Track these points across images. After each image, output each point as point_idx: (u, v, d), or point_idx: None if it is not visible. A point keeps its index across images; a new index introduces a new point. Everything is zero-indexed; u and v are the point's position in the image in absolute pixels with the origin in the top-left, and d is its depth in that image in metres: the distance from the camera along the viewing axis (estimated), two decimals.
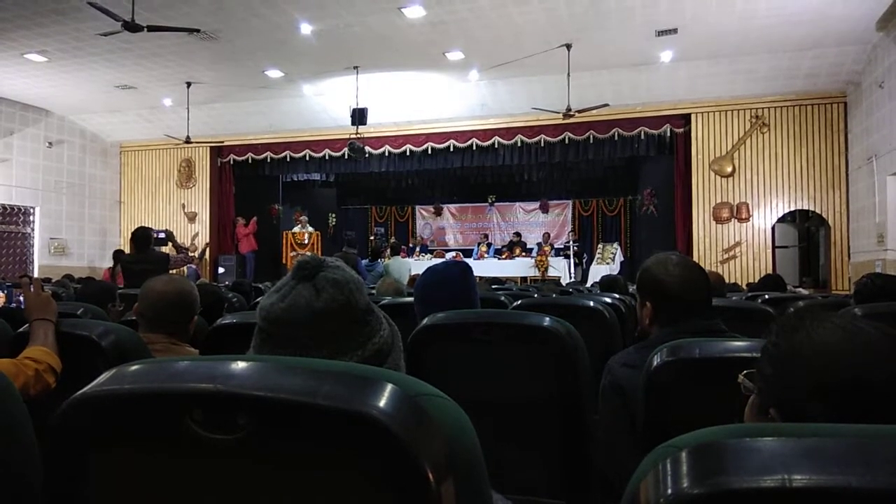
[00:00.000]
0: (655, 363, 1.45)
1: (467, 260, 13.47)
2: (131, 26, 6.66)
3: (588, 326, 2.55)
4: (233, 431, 0.63)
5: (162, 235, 6.96)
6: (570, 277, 12.58)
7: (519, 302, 2.90)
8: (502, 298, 3.69)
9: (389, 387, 0.63)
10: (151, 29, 6.94)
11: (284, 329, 0.87)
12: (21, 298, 2.18)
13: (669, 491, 0.49)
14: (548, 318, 1.74)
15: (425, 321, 1.78)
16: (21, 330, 1.94)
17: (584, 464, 1.72)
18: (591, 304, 2.70)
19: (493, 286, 7.27)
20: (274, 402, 0.62)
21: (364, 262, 10.11)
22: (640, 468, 0.55)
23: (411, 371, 1.79)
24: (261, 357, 0.73)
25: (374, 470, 0.61)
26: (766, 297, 4.22)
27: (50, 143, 13.11)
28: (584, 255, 14.15)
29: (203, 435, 0.64)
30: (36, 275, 12.00)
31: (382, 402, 0.61)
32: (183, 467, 0.67)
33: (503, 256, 13.96)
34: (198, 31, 8.07)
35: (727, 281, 9.29)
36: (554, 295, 4.74)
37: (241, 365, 0.67)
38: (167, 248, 7.50)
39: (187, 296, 2.07)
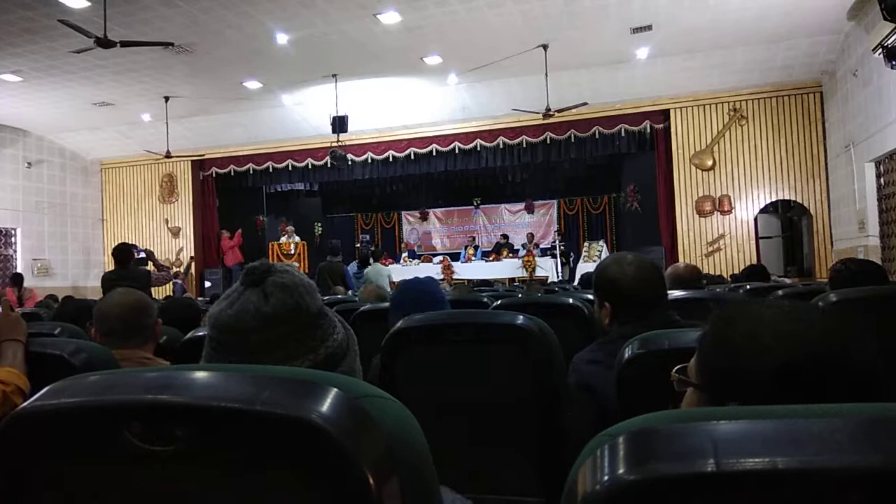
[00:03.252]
0: (627, 356, 1.44)
1: (455, 263, 13.60)
2: (104, 42, 6.61)
3: (567, 323, 2.56)
4: (171, 443, 0.62)
5: (143, 255, 6.93)
6: (558, 276, 12.61)
7: (499, 302, 2.89)
8: (485, 299, 3.70)
9: (330, 390, 0.62)
10: (125, 44, 6.89)
11: (234, 336, 0.86)
12: None
13: (606, 477, 0.49)
14: (521, 317, 1.73)
15: (399, 324, 1.77)
16: None
17: (563, 461, 1.72)
18: (570, 301, 2.70)
19: (481, 288, 7.27)
20: (211, 410, 0.61)
21: (352, 270, 10.09)
22: (581, 456, 0.55)
23: (385, 376, 1.78)
24: (203, 366, 0.72)
25: (316, 474, 0.60)
26: (748, 287, 4.25)
27: (29, 164, 12.99)
28: (571, 254, 14.20)
29: (141, 447, 0.62)
30: None
31: (322, 406, 0.60)
32: (125, 481, 0.66)
33: (491, 258, 13.98)
34: (172, 44, 8.03)
35: (713, 273, 9.36)
36: (539, 294, 4.75)
37: (180, 375, 0.66)
38: (149, 267, 7.45)
39: (144, 299, 2.07)
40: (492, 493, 1.59)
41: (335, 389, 0.63)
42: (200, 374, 0.66)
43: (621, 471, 0.49)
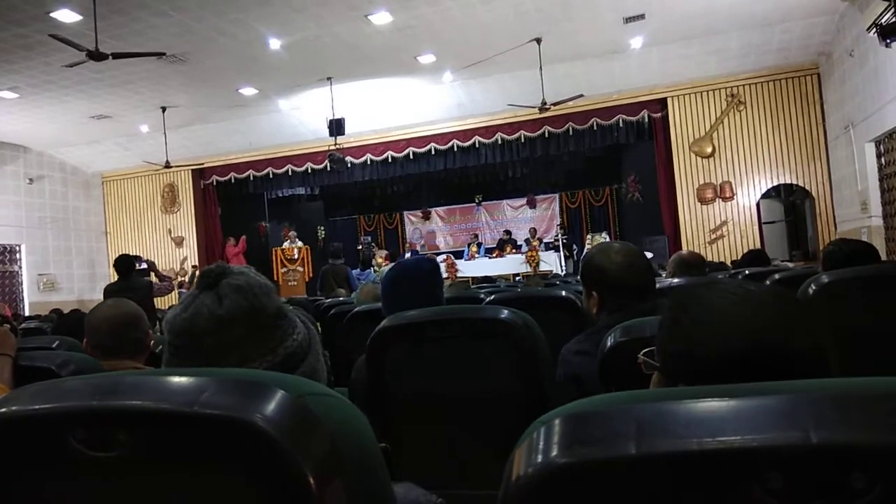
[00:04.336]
0: (609, 344, 1.44)
1: (459, 261, 13.58)
2: (96, 55, 6.62)
3: (560, 315, 2.55)
4: (114, 448, 0.61)
5: (144, 266, 6.97)
6: (562, 270, 12.59)
7: (491, 297, 2.89)
8: (482, 295, 3.69)
9: (272, 390, 0.62)
10: (116, 56, 6.91)
11: (189, 340, 0.86)
12: None
13: (539, 458, 0.50)
14: (506, 311, 1.73)
15: (383, 323, 1.77)
16: None
17: None
18: (563, 293, 2.69)
19: (483, 285, 7.27)
20: (152, 413, 0.61)
21: (355, 271, 10.10)
22: (519, 440, 0.55)
23: (372, 374, 1.78)
24: (153, 370, 0.72)
25: (259, 475, 0.59)
26: (747, 272, 4.23)
27: (31, 180, 13.05)
28: (575, 247, 14.17)
29: (87, 454, 0.62)
30: (27, 312, 11.94)
31: (263, 407, 0.60)
32: (74, 488, 0.66)
33: (494, 255, 13.96)
34: (164, 54, 8.04)
35: (716, 260, 9.32)
36: (540, 288, 4.75)
37: (126, 380, 0.65)
38: (152, 278, 7.48)
39: (133, 311, 2.06)
40: (479, 487, 1.58)
41: (278, 389, 0.62)
42: (146, 379, 0.66)
43: (553, 454, 0.49)
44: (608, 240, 13.17)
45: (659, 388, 0.85)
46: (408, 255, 15.13)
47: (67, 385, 0.68)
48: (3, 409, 0.67)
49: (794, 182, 10.87)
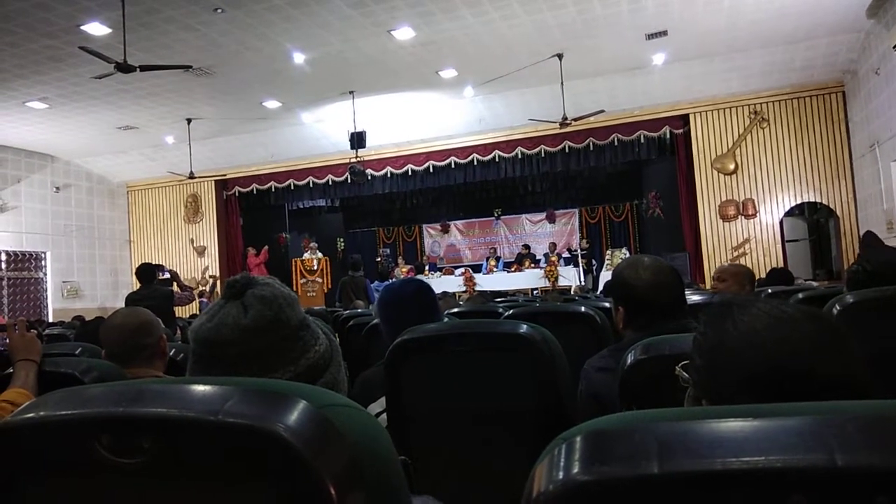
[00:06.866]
0: (629, 362, 1.43)
1: (477, 275, 13.56)
2: (124, 67, 6.76)
3: (579, 332, 2.54)
4: (139, 454, 0.62)
5: (167, 275, 7.07)
6: (581, 285, 12.53)
7: (510, 311, 2.88)
8: (500, 310, 3.69)
9: (294, 400, 0.62)
10: (144, 68, 7.04)
11: (213, 349, 0.87)
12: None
13: (560, 475, 0.50)
14: (525, 326, 1.72)
15: (402, 335, 1.77)
16: (6, 372, 1.96)
17: None
18: (583, 309, 2.68)
19: (500, 299, 7.26)
20: (176, 421, 0.62)
21: (374, 283, 10.13)
22: (540, 457, 0.55)
23: (390, 387, 1.78)
24: (177, 378, 0.73)
25: (280, 486, 0.60)
26: (769, 291, 4.18)
27: (57, 188, 13.30)
28: (594, 262, 14.10)
29: (111, 460, 0.63)
30: (50, 319, 12.12)
31: (285, 417, 0.60)
32: (101, 494, 0.67)
33: (513, 269, 13.93)
34: (190, 67, 8.18)
35: None
36: (558, 303, 4.72)
37: (151, 387, 0.66)
38: (174, 287, 7.57)
39: (142, 318, 2.07)
40: (498, 502, 1.58)
41: (300, 399, 0.63)
42: (170, 387, 0.67)
43: (574, 471, 0.49)
44: (628, 255, 13.10)
45: (690, 403, 0.85)
46: (426, 267, 15.15)
47: (92, 392, 0.69)
48: (31, 415, 0.69)
49: (819, 200, 10.74)
